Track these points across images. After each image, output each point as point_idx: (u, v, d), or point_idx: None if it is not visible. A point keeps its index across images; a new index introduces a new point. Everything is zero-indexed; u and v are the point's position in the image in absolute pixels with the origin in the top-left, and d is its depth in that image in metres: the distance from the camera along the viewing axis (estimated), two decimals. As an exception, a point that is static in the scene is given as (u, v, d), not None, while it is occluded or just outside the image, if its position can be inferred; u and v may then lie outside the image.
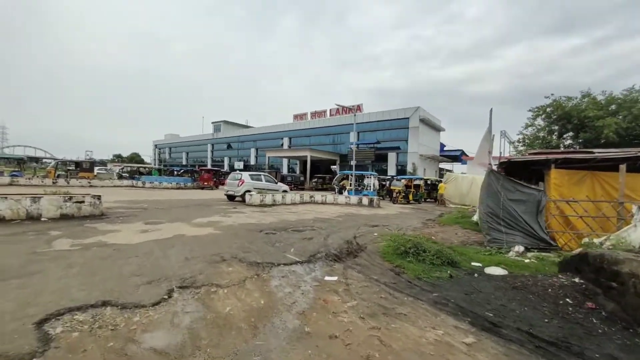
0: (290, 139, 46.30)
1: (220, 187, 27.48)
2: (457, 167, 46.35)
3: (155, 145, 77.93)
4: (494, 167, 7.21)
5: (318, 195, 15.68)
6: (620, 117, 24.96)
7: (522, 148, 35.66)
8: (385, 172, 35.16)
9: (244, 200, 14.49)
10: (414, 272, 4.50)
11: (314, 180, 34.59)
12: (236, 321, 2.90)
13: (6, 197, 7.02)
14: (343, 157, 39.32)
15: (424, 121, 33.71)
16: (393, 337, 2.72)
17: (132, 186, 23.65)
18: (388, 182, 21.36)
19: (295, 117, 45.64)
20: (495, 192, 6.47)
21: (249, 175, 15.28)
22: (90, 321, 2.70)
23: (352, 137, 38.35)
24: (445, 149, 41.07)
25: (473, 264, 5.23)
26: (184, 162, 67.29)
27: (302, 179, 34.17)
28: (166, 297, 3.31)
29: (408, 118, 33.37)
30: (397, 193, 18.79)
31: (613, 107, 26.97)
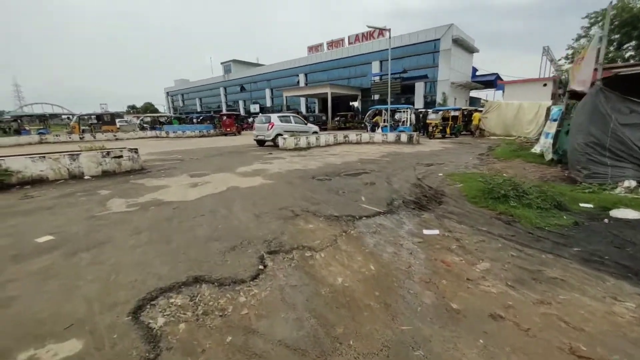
0: (306, 75, 43.21)
1: (243, 132, 26.76)
2: (490, 94, 42.56)
3: (167, 93, 75.97)
4: (599, 85, 5.82)
5: (352, 135, 14.64)
6: None
7: (569, 66, 31.51)
8: (412, 104, 32.74)
9: (275, 145, 13.78)
10: (528, 219, 3.78)
11: (336, 119, 32.95)
12: (359, 296, 2.36)
13: (44, 157, 6.60)
14: (365, 91, 36.64)
15: (457, 42, 29.78)
16: (575, 315, 2.10)
17: (157, 137, 23.33)
18: (421, 115, 19.67)
19: (310, 49, 41.77)
20: (604, 115, 5.28)
21: (278, 117, 14.24)
22: (191, 306, 2.23)
23: (375, 67, 35.17)
24: (477, 73, 37.10)
25: (582, 205, 4.43)
26: (199, 109, 65.92)
27: (324, 118, 32.58)
28: (261, 267, 2.80)
29: (439, 39, 29.51)
30: (433, 127, 17.35)
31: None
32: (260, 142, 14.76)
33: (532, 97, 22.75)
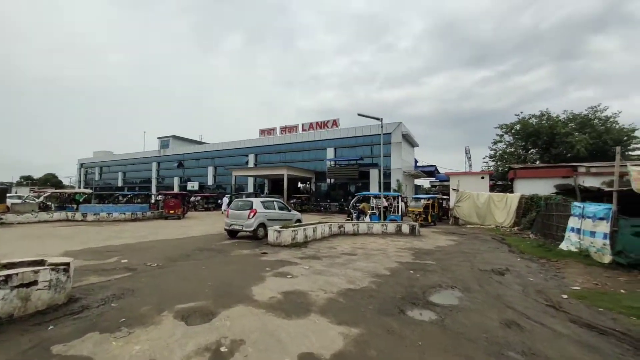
0: (256, 155, 42.08)
1: (186, 216, 22.35)
2: (426, 182, 47.12)
3: (81, 165, 65.49)
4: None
5: (348, 225, 12.50)
6: (586, 134, 27.01)
7: (492, 163, 37.35)
8: (367, 189, 33.31)
9: (255, 237, 10.71)
10: None
11: (292, 201, 30.98)
12: None
13: None
14: (319, 174, 36.57)
15: (405, 137, 33.04)
16: None
17: (68, 220, 17.36)
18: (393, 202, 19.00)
19: (262, 132, 41.79)
20: None
21: (261, 202, 11.49)
22: None
23: (330, 153, 36.13)
24: (417, 164, 41.21)
25: None
26: (120, 184, 57.36)
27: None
28: None
29: (390, 133, 32.33)
30: (416, 215, 16.58)
31: (572, 125, 29.38)
32: (233, 233, 11.43)
33: (472, 187, 24.75)
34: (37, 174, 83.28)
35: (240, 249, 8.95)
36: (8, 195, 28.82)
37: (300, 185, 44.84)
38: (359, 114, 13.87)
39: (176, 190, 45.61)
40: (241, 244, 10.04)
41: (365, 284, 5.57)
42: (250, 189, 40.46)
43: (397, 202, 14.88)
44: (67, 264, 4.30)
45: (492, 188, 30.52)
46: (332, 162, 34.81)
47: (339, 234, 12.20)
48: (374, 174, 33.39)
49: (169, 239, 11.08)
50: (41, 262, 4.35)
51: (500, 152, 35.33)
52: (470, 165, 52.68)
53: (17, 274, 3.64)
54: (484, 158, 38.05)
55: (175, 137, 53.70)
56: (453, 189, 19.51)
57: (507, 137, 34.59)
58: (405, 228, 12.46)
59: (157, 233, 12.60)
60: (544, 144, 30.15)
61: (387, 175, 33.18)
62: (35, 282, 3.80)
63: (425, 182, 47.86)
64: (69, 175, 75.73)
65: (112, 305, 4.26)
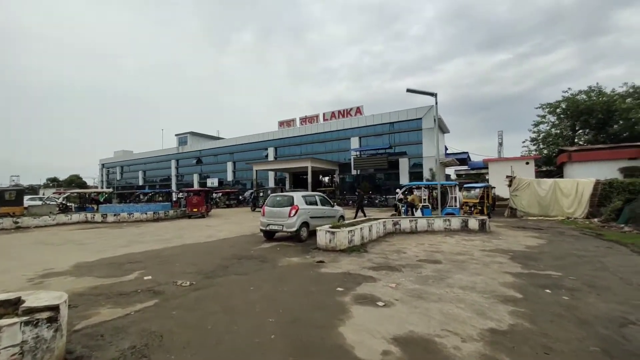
0: (276, 149, 40.49)
1: (210, 214, 20.98)
2: (450, 171, 44.15)
3: (103, 165, 66.22)
4: None
5: (404, 221, 10.51)
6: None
7: (533, 147, 34.09)
8: (397, 180, 31.10)
9: (297, 239, 8.97)
10: None
11: (317, 195, 29.19)
12: None
13: None
14: (343, 166, 34.58)
15: (437, 122, 30.35)
16: None
17: (87, 222, 16.25)
18: (428, 192, 16.70)
19: (281, 123, 40.06)
20: None
21: (303, 197, 9.68)
22: None
23: (354, 142, 33.97)
24: (447, 152, 38.40)
25: None
26: (140, 183, 57.43)
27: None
28: None
29: (421, 119, 29.81)
30: (471, 207, 14.39)
31: (631, 100, 25.85)
32: (270, 234, 9.72)
33: (515, 174, 22.16)
34: (62, 176, 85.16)
35: (287, 256, 7.18)
36: (33, 197, 28.56)
37: (322, 178, 43.05)
38: (408, 90, 11.72)
39: (196, 187, 44.88)
40: (284, 248, 8.28)
41: (505, 316, 3.64)
42: (271, 184, 38.96)
43: (454, 193, 12.71)
44: (55, 309, 2.58)
45: (537, 174, 27.67)
46: (358, 152, 32.69)
47: (394, 232, 10.25)
48: (403, 163, 31.08)
49: (197, 242, 9.48)
50: (15, 303, 2.67)
51: (543, 134, 32.12)
52: (500, 152, 49.28)
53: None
54: (523, 142, 35.00)
55: (192, 134, 52.94)
56: (508, 176, 17.07)
57: (551, 118, 31.34)
58: (474, 223, 10.35)
59: (183, 236, 11.07)
60: (599, 123, 26.82)
61: (416, 164, 30.86)
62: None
63: (449, 171, 44.79)
64: (92, 176, 76.63)
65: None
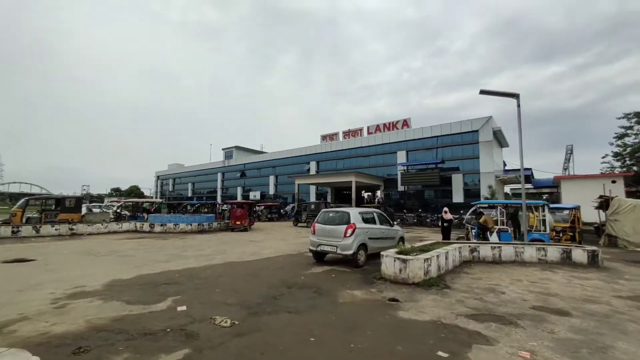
0: (318, 163, 39.79)
1: (252, 227, 20.34)
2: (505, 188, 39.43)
3: (158, 177, 71.24)
4: None
5: (484, 248, 8.55)
6: None
7: (617, 163, 29.12)
8: (449, 197, 28.28)
9: (354, 263, 7.52)
10: None
11: (361, 211, 27.43)
12: None
13: None
14: (388, 181, 32.54)
15: (495, 134, 27.34)
16: None
17: (136, 231, 16.43)
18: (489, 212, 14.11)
19: (324, 137, 39.44)
20: None
21: (359, 213, 8.28)
22: None
23: (401, 157, 31.89)
24: (505, 168, 34.46)
25: None
26: (189, 194, 60.31)
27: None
28: None
29: (477, 131, 27.04)
30: (559, 232, 11.75)
31: None
32: (321, 255, 8.39)
33: (594, 195, 18.33)
34: (124, 186, 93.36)
35: (347, 288, 5.75)
36: (93, 205, 30.79)
37: (364, 193, 41.17)
38: (482, 91, 9.93)
39: (239, 199, 45.65)
40: (340, 274, 6.87)
41: None
42: (312, 199, 38.04)
43: (543, 214, 10.30)
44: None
45: (627, 195, 23.12)
46: (405, 167, 30.53)
47: (471, 260, 8.31)
48: (457, 179, 28.23)
49: (239, 261, 8.47)
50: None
51: (630, 147, 27.25)
52: (565, 169, 43.28)
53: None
54: (603, 157, 29.98)
55: (238, 148, 54.67)
56: (601, 196, 14.00)
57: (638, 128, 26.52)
58: (580, 255, 7.99)
59: (225, 251, 10.20)
60: None
61: (472, 181, 27.82)
62: None
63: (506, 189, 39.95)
64: (149, 187, 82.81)
65: None
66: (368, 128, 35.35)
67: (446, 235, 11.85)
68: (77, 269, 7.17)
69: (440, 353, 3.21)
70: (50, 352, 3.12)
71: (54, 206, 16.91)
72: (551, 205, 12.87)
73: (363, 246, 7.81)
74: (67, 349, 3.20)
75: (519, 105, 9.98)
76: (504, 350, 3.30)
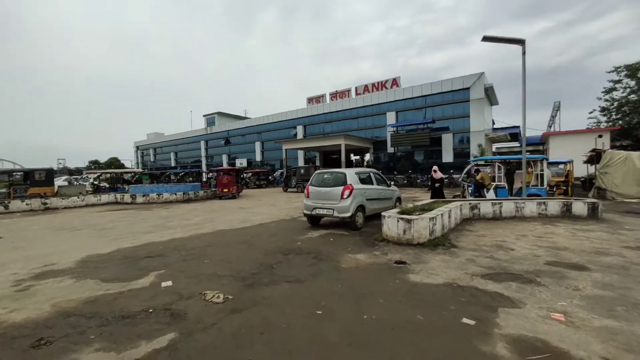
0: (305, 127, 38.50)
1: (241, 194, 19.74)
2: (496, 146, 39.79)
3: (137, 147, 68.14)
4: None
5: (485, 205, 8.29)
6: None
7: (604, 118, 29.34)
8: (439, 157, 28.17)
9: (351, 226, 7.12)
10: None
11: (351, 174, 27.10)
12: None
13: None
14: (377, 144, 32.00)
15: (487, 91, 26.65)
16: None
17: (116, 202, 15.54)
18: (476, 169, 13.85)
19: (310, 100, 37.75)
20: None
21: (356, 173, 7.74)
22: None
23: (390, 118, 31.08)
24: (494, 126, 34.31)
25: None
26: (173, 164, 58.31)
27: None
28: None
29: (468, 89, 26.26)
30: (553, 187, 11.73)
31: None
32: (316, 219, 7.96)
33: (582, 150, 18.61)
34: (103, 159, 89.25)
35: (349, 252, 5.35)
36: (67, 177, 29.11)
37: (353, 157, 40.66)
38: (485, 38, 9.07)
39: (225, 167, 44.35)
40: (338, 238, 6.48)
41: None
42: (300, 164, 37.34)
43: (541, 169, 10.07)
44: None
45: (613, 149, 23.55)
46: (395, 128, 29.83)
47: (471, 217, 8.09)
48: (447, 139, 27.94)
49: (230, 229, 7.95)
50: None
51: (617, 102, 27.31)
52: (550, 126, 43.67)
53: None
54: (590, 112, 30.10)
55: (220, 114, 52.09)
56: (593, 150, 13.96)
57: (630, 82, 26.40)
58: (580, 208, 7.88)
59: (214, 219, 9.65)
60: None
61: (462, 140, 27.62)
62: None
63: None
64: (130, 158, 79.29)
65: None
66: (356, 89, 33.87)
67: (439, 196, 11.44)
68: (48, 245, 6.47)
69: (465, 320, 2.84)
70: (4, 347, 2.56)
71: (22, 180, 15.60)
72: (551, 160, 12.69)
73: (361, 208, 7.38)
74: (26, 341, 2.64)
75: (524, 53, 9.23)
76: (534, 312, 2.96)
